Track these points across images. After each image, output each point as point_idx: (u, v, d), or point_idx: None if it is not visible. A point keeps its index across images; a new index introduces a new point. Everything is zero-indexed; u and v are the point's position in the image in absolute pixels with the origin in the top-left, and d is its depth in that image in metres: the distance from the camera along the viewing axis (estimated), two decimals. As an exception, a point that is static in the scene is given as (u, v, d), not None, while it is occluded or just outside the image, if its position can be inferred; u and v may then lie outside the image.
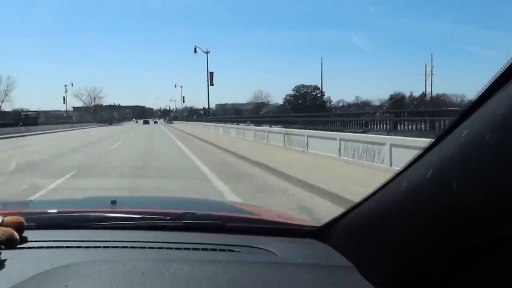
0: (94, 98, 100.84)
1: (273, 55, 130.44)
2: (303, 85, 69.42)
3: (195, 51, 43.41)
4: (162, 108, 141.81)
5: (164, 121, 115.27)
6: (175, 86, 78.70)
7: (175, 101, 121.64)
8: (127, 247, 1.03)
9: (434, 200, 0.64)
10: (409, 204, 0.72)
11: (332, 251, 1.02)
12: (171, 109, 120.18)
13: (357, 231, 0.94)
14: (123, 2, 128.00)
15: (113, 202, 1.41)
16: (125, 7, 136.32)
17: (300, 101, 67.21)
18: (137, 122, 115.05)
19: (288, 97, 69.25)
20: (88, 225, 1.18)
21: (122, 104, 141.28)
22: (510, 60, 0.56)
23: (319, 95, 68.66)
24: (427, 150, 0.70)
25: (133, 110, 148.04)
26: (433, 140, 0.70)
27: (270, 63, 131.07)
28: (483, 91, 0.60)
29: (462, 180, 0.58)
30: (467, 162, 0.58)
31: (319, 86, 67.61)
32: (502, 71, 0.57)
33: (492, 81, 0.58)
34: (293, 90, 69.63)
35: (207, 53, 44.28)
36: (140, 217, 1.23)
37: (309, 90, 69.32)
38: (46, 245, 1.03)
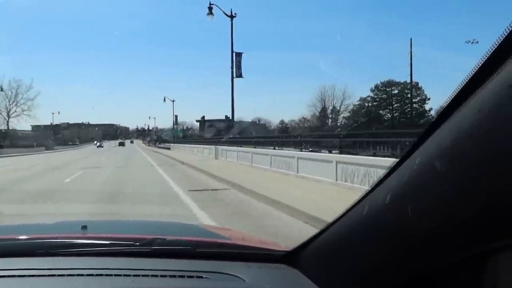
0: (7, 95, 60.05)
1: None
2: (391, 81, 42.58)
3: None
4: (140, 127, 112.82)
5: (145, 143, 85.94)
6: (164, 100, 52.21)
7: (154, 118, 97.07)
8: (92, 274, 1.02)
9: (392, 225, 0.66)
10: (370, 229, 0.73)
11: (302, 276, 1.02)
12: (153, 127, 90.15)
13: (325, 256, 0.94)
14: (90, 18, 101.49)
15: (84, 227, 1.41)
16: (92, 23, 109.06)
17: (384, 106, 40.47)
18: (100, 146, 76.15)
19: (362, 103, 42.68)
20: (55, 252, 1.16)
21: (91, 122, 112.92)
22: (456, 89, 0.56)
23: (407, 101, 42.03)
24: (388, 175, 0.70)
25: (104, 129, 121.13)
26: (394, 164, 0.70)
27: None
28: (433, 119, 0.61)
29: (416, 206, 0.60)
30: (420, 188, 0.60)
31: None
32: (449, 100, 0.58)
33: (441, 110, 0.60)
34: (372, 90, 43.16)
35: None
36: (109, 243, 1.23)
37: (400, 90, 42.75)
38: (8, 274, 1.01)
